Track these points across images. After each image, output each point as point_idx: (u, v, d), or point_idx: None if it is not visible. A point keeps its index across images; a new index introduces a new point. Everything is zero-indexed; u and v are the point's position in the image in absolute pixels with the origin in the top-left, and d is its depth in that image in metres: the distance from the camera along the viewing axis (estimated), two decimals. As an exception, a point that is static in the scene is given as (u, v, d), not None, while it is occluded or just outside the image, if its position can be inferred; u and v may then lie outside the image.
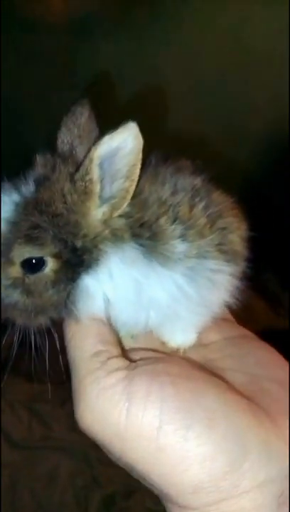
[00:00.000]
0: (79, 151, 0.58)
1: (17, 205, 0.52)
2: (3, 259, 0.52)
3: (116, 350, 0.53)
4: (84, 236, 0.52)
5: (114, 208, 0.52)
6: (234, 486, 0.45)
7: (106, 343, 0.52)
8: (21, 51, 1.53)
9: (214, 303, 0.58)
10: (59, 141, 0.59)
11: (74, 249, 0.52)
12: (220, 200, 0.59)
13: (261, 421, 0.49)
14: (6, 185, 0.54)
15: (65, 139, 0.59)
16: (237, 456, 0.46)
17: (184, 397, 0.47)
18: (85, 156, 0.50)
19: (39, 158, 0.56)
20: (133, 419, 0.46)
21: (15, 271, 0.52)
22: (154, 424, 0.46)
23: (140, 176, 0.51)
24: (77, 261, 0.52)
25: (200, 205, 0.55)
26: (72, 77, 1.55)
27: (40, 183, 0.53)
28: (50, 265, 0.52)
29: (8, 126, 1.56)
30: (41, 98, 1.56)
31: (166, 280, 0.53)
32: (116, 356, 0.52)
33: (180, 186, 0.55)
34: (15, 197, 0.53)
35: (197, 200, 0.55)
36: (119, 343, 0.56)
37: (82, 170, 0.50)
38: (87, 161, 0.49)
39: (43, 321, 0.55)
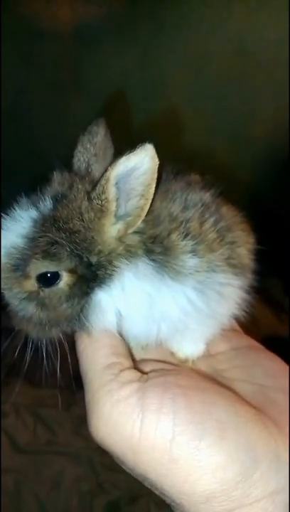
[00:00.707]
0: (95, 169, 0.59)
1: (35, 221, 0.53)
2: (19, 273, 0.53)
3: (128, 362, 0.54)
4: (99, 252, 0.53)
5: (128, 226, 0.53)
6: (245, 495, 0.46)
7: (118, 355, 0.53)
8: (29, 59, 1.54)
9: (223, 315, 0.59)
10: (75, 159, 0.60)
11: (89, 265, 0.53)
12: (229, 214, 0.60)
13: (270, 431, 0.49)
14: (23, 201, 0.55)
15: (81, 157, 0.60)
16: (247, 466, 0.46)
17: (196, 408, 0.48)
18: (102, 176, 0.51)
19: (56, 176, 0.57)
20: (147, 431, 0.47)
21: (30, 284, 0.53)
22: (167, 436, 0.47)
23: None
24: (92, 276, 0.53)
25: (210, 221, 0.56)
26: (78, 86, 1.56)
27: (57, 200, 0.54)
28: (65, 279, 0.53)
29: (13, 133, 1.57)
30: (47, 105, 1.57)
31: (178, 294, 0.54)
32: (129, 368, 0.53)
33: (190, 202, 0.56)
34: (33, 213, 0.54)
35: (207, 215, 0.56)
36: (130, 354, 0.57)
37: (98, 189, 0.51)
38: (103, 181, 0.50)
39: (55, 333, 0.56)
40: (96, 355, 0.53)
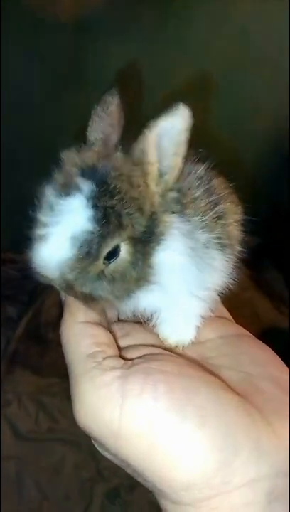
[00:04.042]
0: (113, 139, 0.57)
1: (86, 205, 0.51)
2: (89, 259, 0.51)
3: (111, 351, 0.54)
4: (149, 212, 0.53)
5: (167, 184, 0.54)
6: (225, 483, 0.46)
7: (101, 344, 0.54)
8: (32, 50, 1.54)
9: (211, 284, 0.60)
10: (90, 130, 0.58)
11: (144, 227, 0.53)
12: (220, 187, 0.62)
13: (254, 419, 0.49)
14: (53, 193, 0.53)
15: (97, 127, 0.58)
16: (227, 454, 0.46)
17: (177, 395, 0.48)
18: (139, 139, 0.52)
19: (67, 156, 0.56)
20: (127, 416, 0.47)
21: (99, 265, 0.52)
22: (147, 422, 0.47)
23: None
24: (148, 237, 0.53)
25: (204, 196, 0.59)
26: (81, 76, 1.56)
27: (101, 176, 0.52)
28: (125, 248, 0.52)
29: (16, 124, 1.58)
30: (50, 96, 1.57)
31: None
32: (112, 356, 0.53)
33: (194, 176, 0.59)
34: (80, 198, 0.51)
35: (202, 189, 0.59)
36: (115, 343, 0.57)
37: (140, 153, 0.52)
38: (144, 144, 0.51)
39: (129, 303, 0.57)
40: (79, 345, 0.53)
